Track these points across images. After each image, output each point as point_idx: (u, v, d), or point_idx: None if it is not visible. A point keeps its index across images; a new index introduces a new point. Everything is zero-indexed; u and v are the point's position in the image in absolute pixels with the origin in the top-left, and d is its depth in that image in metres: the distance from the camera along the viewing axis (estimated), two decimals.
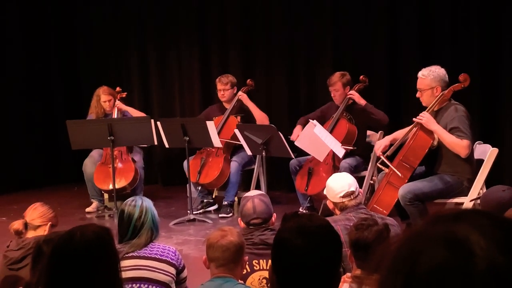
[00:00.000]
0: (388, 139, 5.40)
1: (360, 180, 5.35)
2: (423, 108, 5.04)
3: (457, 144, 4.81)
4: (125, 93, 7.15)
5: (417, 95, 5.06)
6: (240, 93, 6.65)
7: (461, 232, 0.81)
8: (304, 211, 5.98)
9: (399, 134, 5.38)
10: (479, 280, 0.77)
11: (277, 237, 2.04)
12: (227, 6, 7.70)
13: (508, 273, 0.77)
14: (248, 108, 6.62)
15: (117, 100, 6.94)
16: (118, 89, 7.06)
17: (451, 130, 4.85)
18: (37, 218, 3.62)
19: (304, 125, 5.97)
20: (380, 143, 5.39)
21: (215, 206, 6.69)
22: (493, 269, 0.77)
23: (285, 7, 7.37)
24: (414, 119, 5.02)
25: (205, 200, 6.70)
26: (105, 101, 6.89)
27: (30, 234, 3.60)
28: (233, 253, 2.74)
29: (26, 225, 3.61)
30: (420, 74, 5.04)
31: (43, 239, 2.77)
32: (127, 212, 3.20)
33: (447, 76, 5.01)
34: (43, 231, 3.59)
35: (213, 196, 6.82)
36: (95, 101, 6.96)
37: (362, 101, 6.00)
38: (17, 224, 3.59)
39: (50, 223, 3.65)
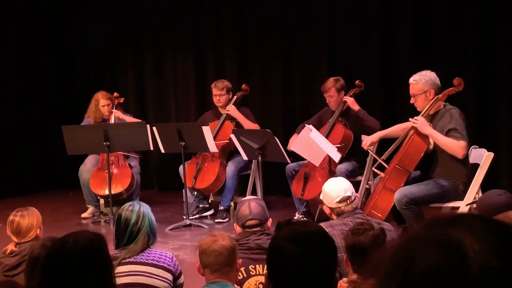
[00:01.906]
0: (377, 135, 5.44)
1: (356, 185, 5.35)
2: (419, 112, 5.05)
3: (454, 145, 4.81)
4: (123, 98, 7.15)
5: (411, 101, 5.07)
6: (228, 107, 6.62)
7: (455, 235, 0.81)
8: (301, 215, 5.98)
9: (391, 130, 5.41)
10: (473, 283, 0.77)
11: (271, 245, 2.04)
12: (223, 12, 7.71)
13: (502, 276, 0.77)
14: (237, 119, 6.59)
15: (114, 107, 6.93)
16: (115, 94, 7.07)
17: (448, 132, 4.85)
18: (25, 239, 3.57)
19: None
20: (368, 138, 5.43)
21: (211, 211, 6.68)
22: (486, 272, 0.77)
23: (282, 12, 7.37)
24: (410, 119, 5.02)
25: (200, 206, 6.69)
26: (104, 105, 6.89)
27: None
28: (226, 257, 2.74)
29: (17, 243, 3.58)
30: (411, 80, 5.05)
31: (38, 246, 2.76)
32: (124, 217, 3.19)
33: (438, 79, 5.02)
34: (35, 235, 3.58)
35: (209, 201, 6.81)
36: (93, 106, 6.94)
37: (355, 107, 6.01)
38: (9, 249, 3.56)
39: (39, 229, 3.63)
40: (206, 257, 2.75)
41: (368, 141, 5.40)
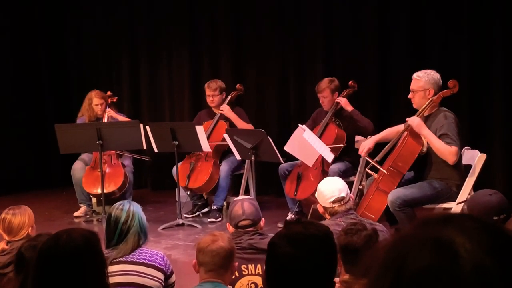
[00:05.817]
0: (372, 140, 5.41)
1: (349, 185, 5.34)
2: (412, 114, 5.04)
3: (446, 151, 4.82)
4: (116, 97, 7.13)
5: (409, 96, 5.06)
6: (222, 107, 6.60)
7: (447, 234, 0.81)
8: (293, 216, 5.98)
9: (385, 133, 5.41)
10: (465, 282, 0.77)
11: (269, 241, 2.07)
12: (218, 12, 7.70)
13: (493, 274, 0.77)
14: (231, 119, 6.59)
15: (107, 107, 6.91)
16: (109, 93, 7.05)
17: (440, 137, 4.85)
18: (17, 237, 3.55)
19: None
20: (364, 144, 5.41)
21: (208, 208, 6.69)
22: (478, 270, 0.77)
23: (277, 13, 7.37)
24: (407, 119, 5.01)
25: (199, 203, 6.69)
26: (98, 104, 6.87)
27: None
28: (222, 258, 2.74)
29: (8, 241, 3.57)
30: (415, 75, 5.04)
31: (27, 245, 2.73)
32: (114, 215, 3.18)
33: (441, 81, 5.02)
34: (27, 234, 3.56)
35: (205, 197, 6.80)
36: (87, 104, 6.92)
37: (349, 107, 6.01)
38: (0, 247, 3.54)
39: (30, 227, 3.61)
40: (203, 256, 2.75)
41: (364, 148, 5.35)
